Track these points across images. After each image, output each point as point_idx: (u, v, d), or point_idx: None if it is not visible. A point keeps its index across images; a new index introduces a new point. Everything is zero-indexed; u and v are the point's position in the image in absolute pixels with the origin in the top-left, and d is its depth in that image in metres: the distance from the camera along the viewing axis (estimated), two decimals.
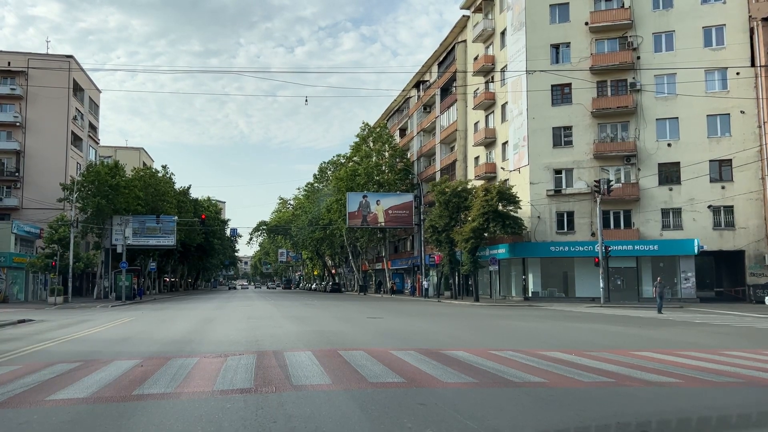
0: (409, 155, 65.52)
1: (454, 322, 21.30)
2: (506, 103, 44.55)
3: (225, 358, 10.53)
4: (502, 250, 41.37)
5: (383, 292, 66.72)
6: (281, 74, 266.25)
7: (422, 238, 51.67)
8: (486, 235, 39.75)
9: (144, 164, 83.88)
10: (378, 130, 66.07)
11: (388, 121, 76.23)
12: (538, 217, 40.27)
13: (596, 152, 39.38)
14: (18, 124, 57.14)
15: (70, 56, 60.27)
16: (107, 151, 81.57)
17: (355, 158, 67.12)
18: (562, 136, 40.78)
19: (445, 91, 57.26)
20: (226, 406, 6.71)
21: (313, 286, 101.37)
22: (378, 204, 54.60)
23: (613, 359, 10.59)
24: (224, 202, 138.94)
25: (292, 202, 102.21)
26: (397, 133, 71.22)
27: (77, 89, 62.26)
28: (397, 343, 13.29)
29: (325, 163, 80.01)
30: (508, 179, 42.44)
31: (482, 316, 24.90)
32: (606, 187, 33.55)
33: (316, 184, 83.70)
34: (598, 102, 39.71)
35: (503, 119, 45.22)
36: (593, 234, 39.17)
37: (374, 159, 63.37)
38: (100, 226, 52.17)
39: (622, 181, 39.21)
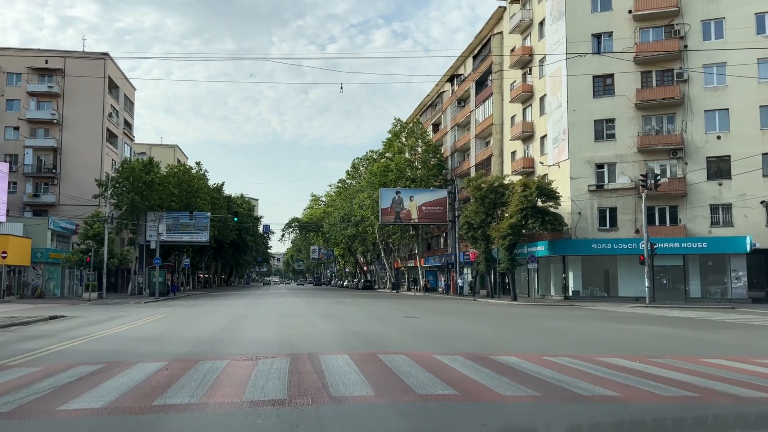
0: (442, 150, 64.32)
1: (496, 322, 20.25)
2: (545, 95, 43.10)
3: (256, 362, 9.74)
4: (541, 248, 40.00)
5: (416, 289, 65.77)
6: (313, 71, 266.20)
7: (456, 235, 50.51)
8: (524, 231, 38.43)
9: (178, 161, 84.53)
10: (410, 125, 65.09)
11: (421, 116, 75.11)
12: (579, 213, 38.80)
13: (640, 146, 37.74)
14: (55, 121, 57.76)
15: (105, 54, 60.68)
16: (142, 148, 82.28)
17: (387, 154, 66.26)
18: (604, 129, 39.21)
19: (480, 84, 55.95)
20: (257, 421, 5.86)
21: (345, 283, 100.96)
22: (411, 200, 53.63)
23: (684, 368, 9.46)
24: (257, 200, 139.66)
25: (324, 199, 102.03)
26: (431, 128, 70.07)
27: (112, 87, 62.70)
28: (440, 346, 12.34)
29: (358, 158, 79.38)
30: (546, 174, 40.97)
31: (524, 316, 23.77)
32: (653, 181, 31.96)
33: (348, 180, 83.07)
34: (642, 93, 38.04)
35: (542, 112, 43.77)
36: (637, 231, 37.56)
37: (407, 154, 62.43)
38: (135, 223, 52.36)
39: (668, 176, 37.49)
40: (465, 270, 51.99)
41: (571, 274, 39.58)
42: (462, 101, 61.38)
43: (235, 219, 53.92)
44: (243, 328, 17.10)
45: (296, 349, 11.65)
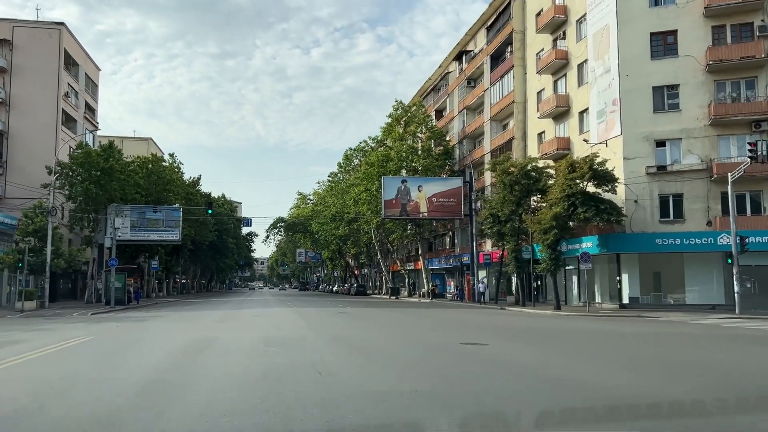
0: (448, 138, 56.69)
1: (615, 352, 12.52)
2: (585, 61, 35.63)
3: None
4: (588, 244, 32.41)
5: (418, 295, 57.99)
6: (296, 77, 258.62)
7: (473, 232, 42.85)
8: (571, 224, 30.83)
9: (153, 155, 76.14)
10: (413, 109, 57.35)
11: (422, 101, 67.28)
12: (635, 201, 31.29)
13: (714, 116, 30.32)
14: (0, 100, 49.20)
15: (61, 23, 52.26)
16: (112, 140, 73.67)
17: (386, 142, 58.53)
18: (665, 98, 31.79)
19: (496, 59, 48.42)
20: None
21: (335, 288, 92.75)
22: (420, 190, 45.71)
23: None
24: (240, 203, 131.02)
25: (312, 198, 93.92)
26: (433, 114, 62.26)
27: (70, 63, 54.27)
28: None
29: (351, 149, 71.27)
30: (594, 155, 32.96)
31: (630, 337, 16.12)
32: (765, 152, 24.45)
33: (340, 175, 75.09)
34: (714, 52, 30.64)
35: (581, 82, 36.31)
36: (709, 223, 30.24)
37: (409, 142, 54.73)
38: (89, 216, 43.94)
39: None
40: (481, 273, 44.22)
41: (625, 277, 31.96)
42: (472, 81, 53.75)
43: (209, 212, 45.65)
44: (192, 379, 9.16)
45: None
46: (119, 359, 11.40)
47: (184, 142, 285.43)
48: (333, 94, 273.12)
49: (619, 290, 31.73)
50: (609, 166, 30.83)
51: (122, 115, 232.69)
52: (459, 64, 56.53)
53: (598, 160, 29.88)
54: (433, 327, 19.01)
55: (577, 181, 29.42)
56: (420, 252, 58.58)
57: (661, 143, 31.57)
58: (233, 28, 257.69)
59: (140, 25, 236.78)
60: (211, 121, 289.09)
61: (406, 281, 64.24)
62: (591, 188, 30.18)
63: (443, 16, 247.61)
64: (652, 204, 31.29)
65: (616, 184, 29.89)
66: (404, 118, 56.33)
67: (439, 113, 61.95)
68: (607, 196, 30.31)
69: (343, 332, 16.63)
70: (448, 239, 58.44)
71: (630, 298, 31.39)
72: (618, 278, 31.89)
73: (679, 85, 31.44)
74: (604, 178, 29.38)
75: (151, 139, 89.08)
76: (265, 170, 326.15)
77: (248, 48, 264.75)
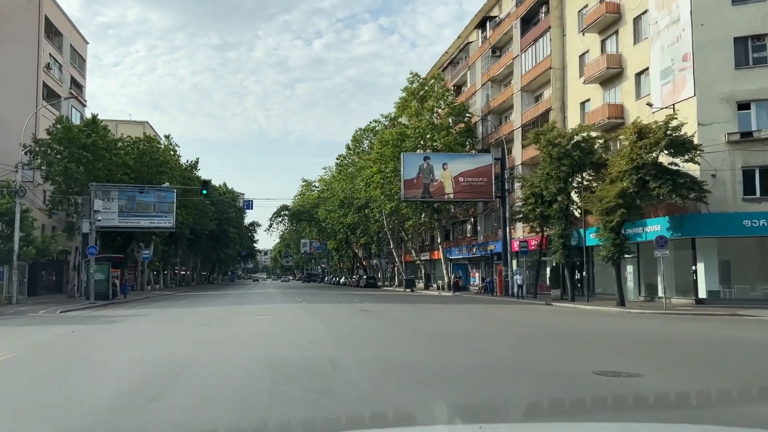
0: (469, 114, 51.22)
1: None
2: (644, 12, 30.21)
3: None
4: (655, 227, 27.10)
5: (438, 288, 52.84)
6: (298, 69, 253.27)
7: (506, 215, 37.53)
8: (639, 202, 25.49)
9: (145, 135, 70.87)
10: (431, 81, 51.91)
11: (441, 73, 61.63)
12: (713, 175, 25.93)
13: None
14: None
15: None
16: (105, 123, 68.35)
17: (401, 119, 53.19)
18: (749, 51, 26.35)
19: (528, 21, 42.91)
20: None
21: (342, 280, 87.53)
22: (445, 169, 40.17)
23: None
24: (243, 194, 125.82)
25: (317, 184, 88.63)
26: (452, 90, 56.72)
27: (53, 33, 49.02)
28: None
29: (360, 130, 65.87)
30: (671, 117, 27.03)
31: None
32: None
33: (348, 158, 69.75)
34: None
35: (637, 38, 30.92)
36: None
37: (427, 117, 49.32)
38: (70, 199, 38.84)
39: None
40: (514, 263, 38.95)
41: (702, 266, 26.64)
42: (498, 49, 48.17)
43: (204, 192, 40.46)
44: None
45: None
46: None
47: (187, 134, 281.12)
48: (335, 85, 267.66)
49: (695, 282, 26.43)
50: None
51: (124, 108, 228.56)
52: (482, 32, 50.98)
53: (674, 123, 24.50)
54: (516, 336, 13.71)
55: (651, 149, 24.07)
56: (438, 240, 53.37)
57: (744, 105, 26.17)
58: (235, 20, 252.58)
59: (142, 17, 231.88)
60: (214, 113, 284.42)
61: (422, 272, 59.05)
62: (663, 159, 24.88)
63: (446, 6, 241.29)
64: (733, 178, 25.95)
65: (697, 153, 24.50)
66: (421, 93, 51.00)
67: (458, 89, 56.42)
68: (683, 168, 24.98)
69: (386, 348, 11.31)
70: (469, 226, 53.21)
71: (708, 292, 26.10)
72: (693, 268, 26.57)
73: (767, 35, 26.04)
74: (683, 145, 24.03)
75: (147, 122, 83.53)
76: (267, 162, 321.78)
77: (250, 39, 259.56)
